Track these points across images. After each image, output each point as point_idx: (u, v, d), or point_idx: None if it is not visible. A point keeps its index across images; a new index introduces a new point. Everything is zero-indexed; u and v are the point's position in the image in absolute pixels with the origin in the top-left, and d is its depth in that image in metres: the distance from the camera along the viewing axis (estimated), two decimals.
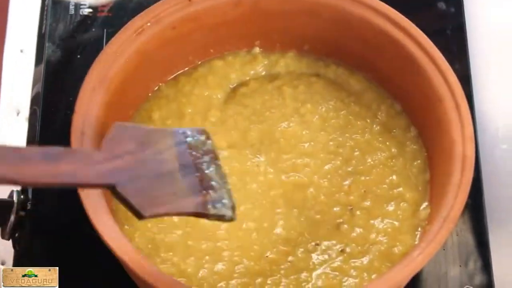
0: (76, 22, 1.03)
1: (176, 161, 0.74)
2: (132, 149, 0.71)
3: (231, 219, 0.75)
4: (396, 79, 0.92)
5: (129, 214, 0.81)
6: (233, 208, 0.75)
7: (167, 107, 0.93)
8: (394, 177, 0.88)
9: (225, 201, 0.75)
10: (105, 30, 1.02)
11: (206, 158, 0.76)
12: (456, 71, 0.86)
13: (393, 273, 0.77)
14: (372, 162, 0.89)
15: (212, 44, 0.95)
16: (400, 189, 0.88)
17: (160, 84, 0.94)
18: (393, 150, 0.90)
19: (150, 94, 0.94)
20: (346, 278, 0.83)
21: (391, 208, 0.87)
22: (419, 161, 0.89)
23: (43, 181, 0.62)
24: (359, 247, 0.85)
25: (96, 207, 0.77)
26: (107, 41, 0.87)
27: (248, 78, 0.96)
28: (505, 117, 1.04)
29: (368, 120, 0.92)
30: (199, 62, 0.95)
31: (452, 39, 1.03)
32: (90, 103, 0.82)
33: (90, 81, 0.84)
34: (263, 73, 0.96)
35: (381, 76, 0.94)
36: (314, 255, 0.84)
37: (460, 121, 0.83)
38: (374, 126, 0.92)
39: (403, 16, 0.89)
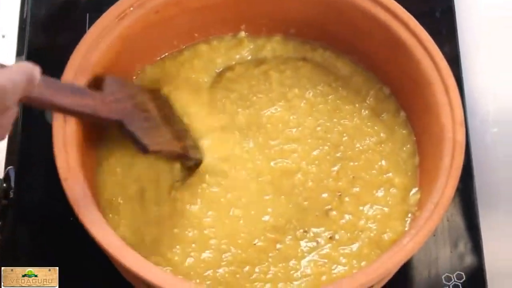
0: (57, 6, 1.02)
1: (157, 112, 0.85)
2: (126, 97, 0.82)
3: (201, 162, 0.86)
4: (384, 63, 0.90)
5: (114, 203, 0.84)
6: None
7: None
8: (383, 162, 0.87)
9: (196, 147, 0.87)
10: (87, 14, 1.00)
11: (175, 115, 0.88)
12: (445, 53, 0.85)
13: (383, 261, 0.75)
14: (360, 148, 0.88)
15: (196, 28, 0.93)
16: (390, 174, 0.86)
17: (146, 66, 0.92)
18: (382, 135, 0.89)
19: (135, 77, 0.92)
20: (335, 265, 0.82)
21: (380, 194, 0.85)
22: (408, 146, 0.88)
23: (72, 108, 0.75)
24: (348, 234, 0.83)
25: (80, 196, 0.76)
26: (90, 26, 0.85)
27: (233, 62, 0.94)
28: (496, 100, 1.02)
29: (357, 105, 0.91)
30: (184, 47, 0.93)
31: (442, 22, 1.01)
32: None
33: (71, 68, 0.82)
34: (249, 57, 0.94)
35: (369, 60, 0.92)
36: (302, 243, 0.83)
37: (450, 104, 0.82)
38: (363, 110, 0.90)
39: None
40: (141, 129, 0.81)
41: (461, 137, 0.80)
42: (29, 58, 0.98)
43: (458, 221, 0.91)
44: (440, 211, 0.77)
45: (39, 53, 0.99)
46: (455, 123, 0.81)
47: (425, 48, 0.84)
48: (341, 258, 0.82)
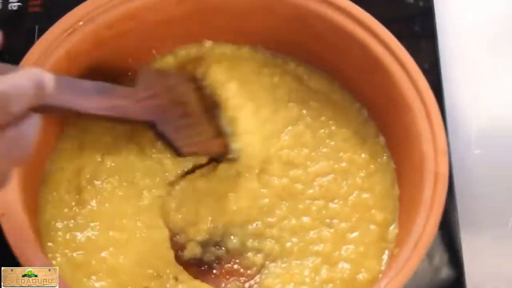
0: (4, 18, 0.94)
1: (198, 104, 0.79)
2: (162, 91, 0.76)
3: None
4: (361, 82, 0.84)
5: (52, 232, 0.79)
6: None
7: None
8: (368, 197, 0.81)
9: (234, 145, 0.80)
10: (36, 27, 0.92)
11: (218, 107, 0.81)
12: (425, 71, 0.78)
13: None
14: (346, 189, 0.81)
15: (154, 44, 0.85)
16: (373, 211, 0.80)
17: None
18: (371, 166, 0.82)
19: None
20: None
21: (357, 234, 0.79)
22: (388, 175, 0.81)
23: (98, 113, 0.67)
24: (318, 277, 0.77)
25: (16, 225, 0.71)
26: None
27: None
28: (479, 119, 0.95)
29: (343, 130, 0.84)
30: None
31: (421, 37, 0.95)
32: None
33: None
34: None
35: (345, 78, 0.85)
36: None
37: (432, 131, 0.76)
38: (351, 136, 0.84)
39: (366, 13, 0.80)
40: (177, 128, 0.76)
41: (444, 169, 0.74)
42: None
43: (439, 249, 0.85)
44: (420, 251, 0.71)
45: None
46: (437, 152, 0.74)
47: (404, 68, 0.78)
48: None
